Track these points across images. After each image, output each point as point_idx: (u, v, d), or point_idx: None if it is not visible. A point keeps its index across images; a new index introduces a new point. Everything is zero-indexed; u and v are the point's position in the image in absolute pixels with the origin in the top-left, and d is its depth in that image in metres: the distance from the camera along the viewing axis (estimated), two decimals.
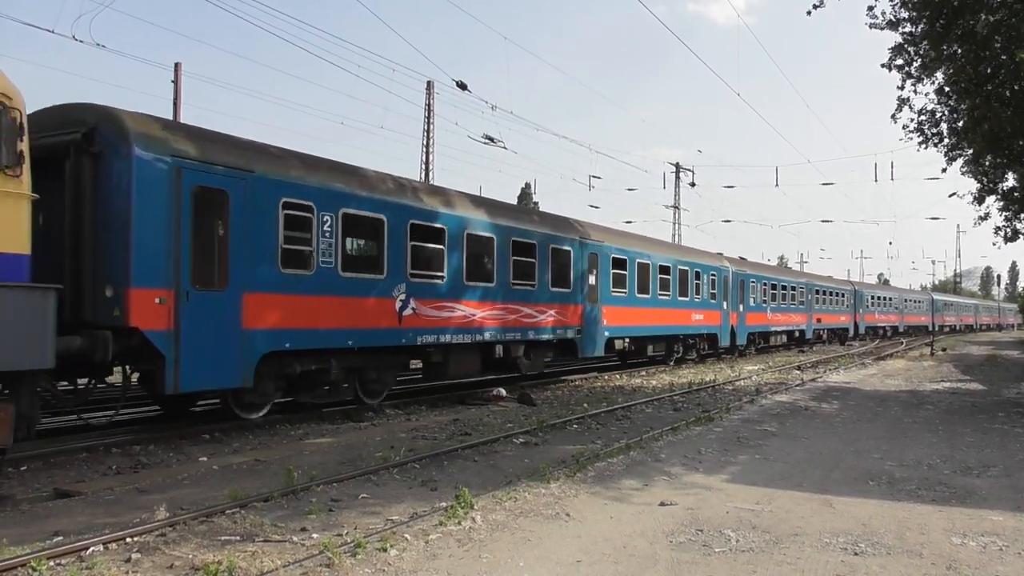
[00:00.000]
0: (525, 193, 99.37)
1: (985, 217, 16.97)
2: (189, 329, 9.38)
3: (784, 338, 35.11)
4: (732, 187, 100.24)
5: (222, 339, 9.84)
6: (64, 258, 8.76)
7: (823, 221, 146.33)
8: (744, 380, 19.04)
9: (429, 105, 45.78)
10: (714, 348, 26.60)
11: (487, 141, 17.15)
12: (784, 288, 34.12)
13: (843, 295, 43.93)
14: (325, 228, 11.36)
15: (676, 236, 66.83)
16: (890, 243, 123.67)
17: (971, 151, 15.63)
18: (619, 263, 19.63)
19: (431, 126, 46.01)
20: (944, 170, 16.92)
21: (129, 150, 9.00)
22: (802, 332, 36.60)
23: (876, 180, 40.84)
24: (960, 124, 15.18)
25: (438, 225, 13.59)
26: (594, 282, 18.10)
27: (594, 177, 62.48)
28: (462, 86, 17.91)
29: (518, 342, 15.76)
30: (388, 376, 13.19)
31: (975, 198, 16.67)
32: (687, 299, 23.81)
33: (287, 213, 10.77)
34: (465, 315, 14.26)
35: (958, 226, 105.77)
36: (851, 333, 44.63)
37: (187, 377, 9.38)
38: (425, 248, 13.38)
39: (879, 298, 51.61)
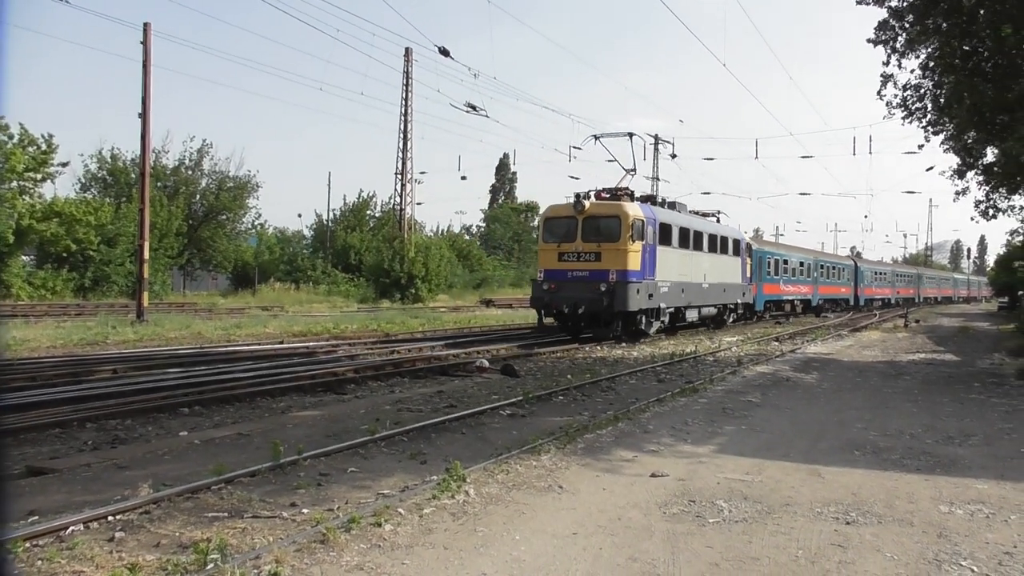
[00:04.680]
0: (503, 164, 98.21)
1: (964, 192, 17.11)
2: (758, 295, 32.06)
3: (880, 303, 55.98)
4: (712, 159, 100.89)
5: (760, 297, 32.51)
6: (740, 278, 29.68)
7: (801, 194, 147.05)
8: (724, 351, 19.12)
9: (407, 72, 45.28)
10: (847, 306, 47.92)
11: (469, 109, 16.89)
12: (882, 274, 58.15)
13: (908, 277, 69.05)
14: (769, 262, 34.35)
15: None
16: (865, 216, 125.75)
17: (953, 126, 15.70)
18: (825, 266, 43.71)
19: (409, 94, 45.57)
20: (921, 146, 16.97)
21: (751, 248, 31.30)
22: (888, 299, 59.00)
23: (855, 154, 41.79)
24: (943, 99, 15.22)
25: (789, 257, 37.72)
26: (816, 275, 40.92)
27: (575, 148, 62.31)
28: (444, 52, 17.60)
29: (798, 300, 38.86)
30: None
31: (955, 172, 16.76)
32: (841, 280, 46.73)
33: (762, 258, 33.14)
34: (801, 287, 38.69)
35: (930, 200, 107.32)
36: (915, 301, 66.76)
37: (758, 308, 32.69)
38: (784, 263, 36.66)
39: (933, 278, 79.72)
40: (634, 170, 22.96)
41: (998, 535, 5.32)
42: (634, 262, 20.01)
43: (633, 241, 19.95)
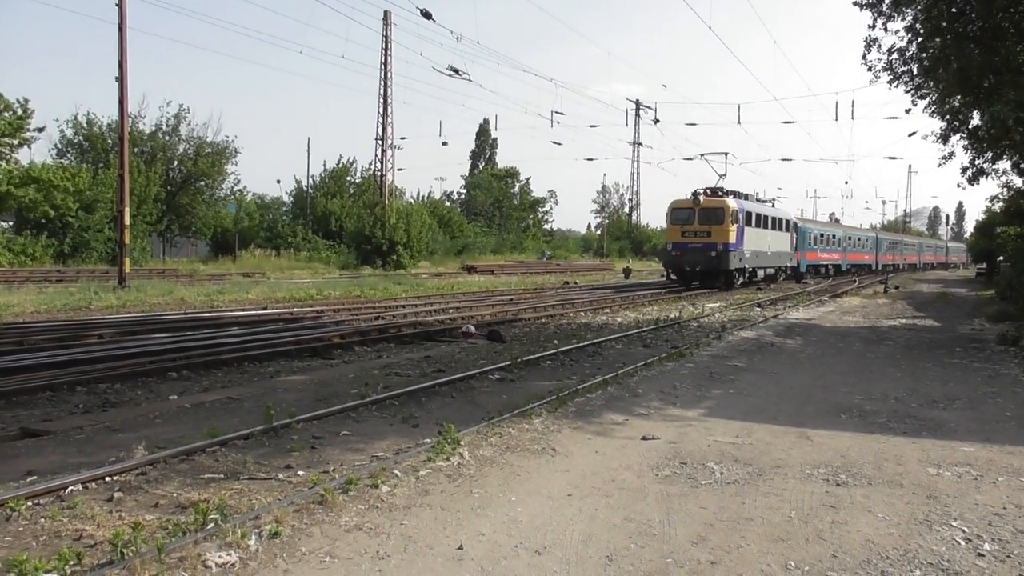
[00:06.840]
0: (484, 129, 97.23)
1: (949, 157, 17.11)
2: (801, 261, 41.49)
3: (892, 268, 63.63)
4: (694, 124, 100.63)
5: (803, 262, 41.81)
6: (789, 248, 39.58)
7: (783, 160, 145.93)
8: (708, 317, 19.23)
9: (387, 36, 44.60)
10: (869, 270, 56.88)
11: (452, 73, 16.66)
12: (896, 243, 70.32)
13: (919, 246, 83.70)
14: (810, 236, 43.65)
15: (635, 174, 66.72)
16: (846, 182, 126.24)
17: (938, 90, 15.67)
18: (852, 238, 53.26)
19: (389, 58, 44.95)
20: (908, 111, 16.94)
21: (796, 226, 40.71)
22: (898, 265, 68.69)
23: (836, 119, 42.12)
24: (928, 62, 15.17)
25: (824, 232, 48.42)
26: (845, 245, 51.11)
27: (557, 113, 61.79)
28: (426, 15, 17.30)
29: (831, 265, 48.61)
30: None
31: (939, 137, 16.76)
32: (865, 249, 56.80)
33: (803, 232, 42.31)
34: (833, 255, 49.03)
35: (910, 167, 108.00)
36: (917, 267, 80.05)
37: (802, 271, 41.59)
38: (820, 236, 46.46)
39: (930, 246, 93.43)
40: (725, 175, 34.81)
41: (987, 497, 5.42)
42: (732, 238, 30.37)
43: (732, 224, 30.29)
